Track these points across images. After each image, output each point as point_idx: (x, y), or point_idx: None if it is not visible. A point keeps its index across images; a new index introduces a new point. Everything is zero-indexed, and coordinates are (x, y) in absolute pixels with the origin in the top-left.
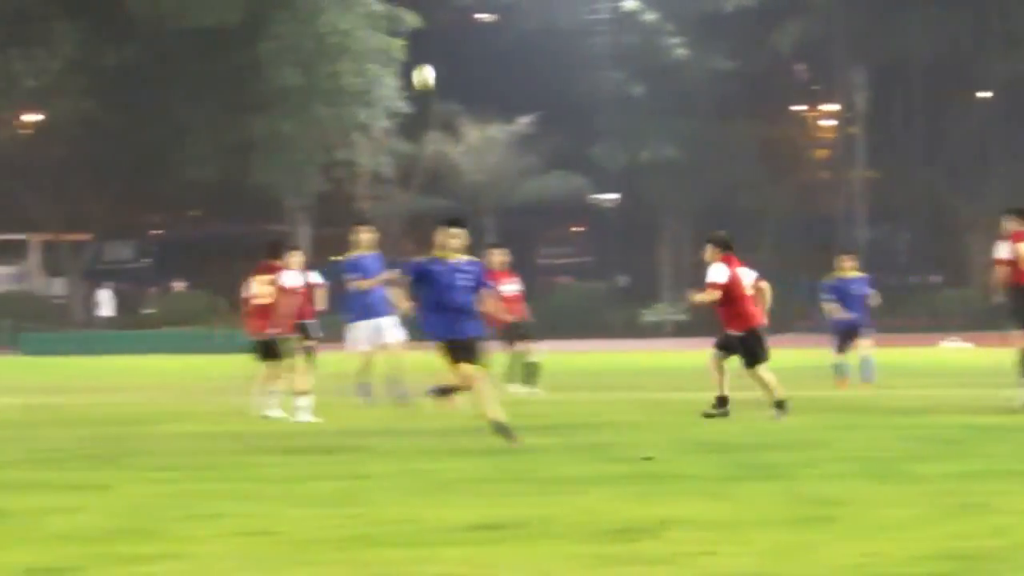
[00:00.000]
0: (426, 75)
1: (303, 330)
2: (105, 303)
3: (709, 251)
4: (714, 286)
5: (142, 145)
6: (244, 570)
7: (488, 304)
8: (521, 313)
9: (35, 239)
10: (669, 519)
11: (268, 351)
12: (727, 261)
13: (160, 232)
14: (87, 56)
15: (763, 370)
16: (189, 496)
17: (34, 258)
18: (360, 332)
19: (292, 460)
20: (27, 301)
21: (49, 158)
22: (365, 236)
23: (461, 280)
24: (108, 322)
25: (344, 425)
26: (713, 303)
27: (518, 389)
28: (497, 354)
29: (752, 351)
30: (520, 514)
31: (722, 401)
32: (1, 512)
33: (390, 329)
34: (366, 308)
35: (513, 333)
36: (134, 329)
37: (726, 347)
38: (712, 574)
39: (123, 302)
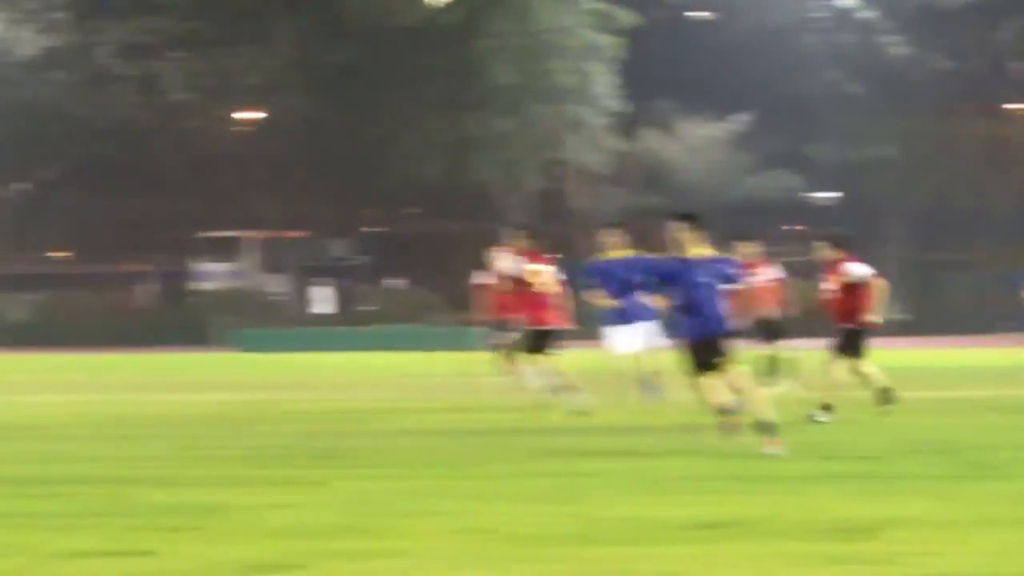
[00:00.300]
0: None
1: (502, 327)
2: (323, 300)
3: (826, 250)
4: (876, 276)
5: (360, 143)
6: (463, 567)
7: (740, 299)
8: (777, 305)
9: (253, 236)
10: (891, 518)
11: (541, 343)
12: (848, 260)
13: (377, 229)
14: (305, 54)
15: (839, 369)
16: (407, 493)
17: (252, 255)
18: (618, 337)
19: (511, 456)
20: (245, 298)
21: (268, 155)
22: (613, 239)
23: (703, 277)
24: (326, 318)
25: (564, 423)
26: (832, 299)
27: (785, 387)
28: (751, 351)
29: (845, 347)
30: (739, 512)
31: (886, 393)
32: (222, 507)
33: (648, 335)
34: (621, 313)
35: (767, 328)
36: (351, 326)
37: (843, 349)
38: (933, 574)
39: (340, 299)
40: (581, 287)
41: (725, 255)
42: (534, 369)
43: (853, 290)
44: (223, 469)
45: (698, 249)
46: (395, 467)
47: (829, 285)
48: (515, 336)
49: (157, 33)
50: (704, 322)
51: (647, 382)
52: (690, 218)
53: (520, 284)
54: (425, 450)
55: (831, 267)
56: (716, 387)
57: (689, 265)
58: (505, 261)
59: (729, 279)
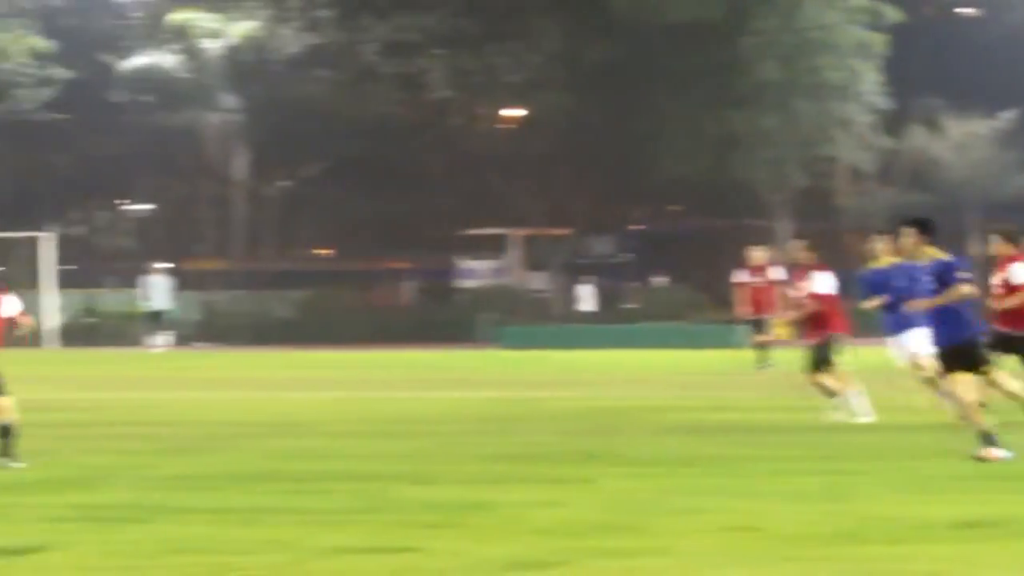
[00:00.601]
0: None
1: (761, 325)
2: (586, 297)
3: (998, 245)
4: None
5: (623, 140)
6: (728, 566)
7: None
8: None
9: (516, 233)
10: None
11: (827, 353)
12: (1020, 258)
13: (640, 227)
14: (568, 51)
15: None
16: (672, 491)
17: (515, 252)
18: (898, 344)
19: (777, 455)
20: (508, 295)
21: (531, 153)
22: (880, 246)
23: (922, 283)
24: (589, 316)
25: (828, 422)
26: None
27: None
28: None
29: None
30: (1006, 512)
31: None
32: (486, 505)
33: (920, 344)
34: (897, 320)
35: None
36: (614, 323)
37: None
38: None
39: (603, 296)
40: (857, 294)
41: (941, 258)
42: (831, 379)
43: (1015, 291)
44: (487, 466)
45: (930, 252)
46: (660, 465)
47: (997, 281)
48: (773, 335)
49: (421, 31)
50: (935, 328)
51: (939, 387)
52: (919, 223)
53: (809, 298)
54: (690, 448)
55: (1001, 263)
56: (969, 392)
57: (911, 270)
58: (780, 272)
59: (946, 281)
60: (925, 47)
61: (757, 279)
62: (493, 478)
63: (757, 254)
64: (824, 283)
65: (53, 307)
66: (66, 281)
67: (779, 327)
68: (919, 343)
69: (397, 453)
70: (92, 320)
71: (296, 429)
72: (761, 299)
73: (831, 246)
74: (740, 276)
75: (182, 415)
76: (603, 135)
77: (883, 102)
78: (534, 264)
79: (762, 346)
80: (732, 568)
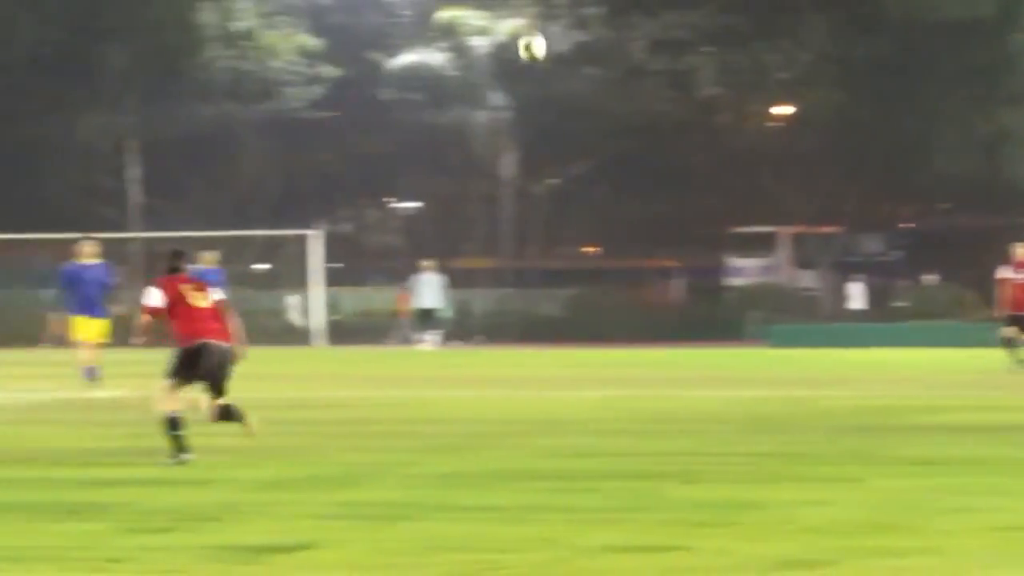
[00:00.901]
0: (533, 48)
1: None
2: (856, 296)
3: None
4: None
5: (893, 137)
6: (999, 566)
7: None
8: None
9: (785, 231)
10: None
11: None
12: None
13: (910, 224)
14: (837, 48)
15: None
16: (941, 490)
17: (784, 250)
18: None
19: None
20: (777, 293)
21: (800, 150)
22: None
23: None
24: (858, 315)
25: None
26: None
27: None
28: None
29: None
30: None
31: None
32: (755, 504)
33: None
34: None
35: None
36: (884, 322)
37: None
38: None
39: (873, 295)
40: None
41: None
42: None
43: None
44: (756, 465)
45: None
46: (930, 464)
47: None
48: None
49: (690, 28)
50: None
51: None
52: None
53: None
54: (960, 447)
55: None
56: None
57: None
58: None
59: None
60: None
61: (1020, 275)
62: (762, 477)
63: (1021, 250)
64: None
65: (321, 304)
66: (334, 279)
67: None
68: None
69: (665, 451)
70: (360, 318)
71: (563, 427)
72: (1023, 296)
73: None
74: (1004, 272)
75: (449, 413)
76: (873, 132)
77: None
78: (803, 262)
79: (1013, 343)
80: (1003, 568)
